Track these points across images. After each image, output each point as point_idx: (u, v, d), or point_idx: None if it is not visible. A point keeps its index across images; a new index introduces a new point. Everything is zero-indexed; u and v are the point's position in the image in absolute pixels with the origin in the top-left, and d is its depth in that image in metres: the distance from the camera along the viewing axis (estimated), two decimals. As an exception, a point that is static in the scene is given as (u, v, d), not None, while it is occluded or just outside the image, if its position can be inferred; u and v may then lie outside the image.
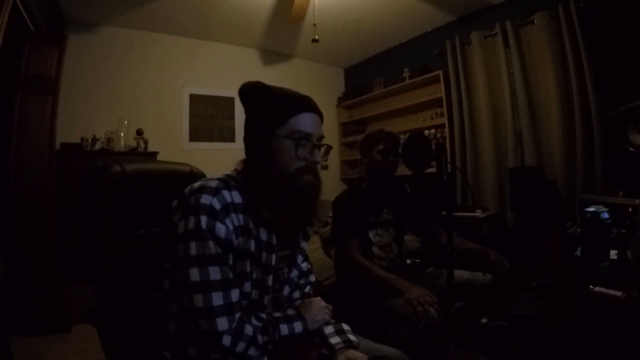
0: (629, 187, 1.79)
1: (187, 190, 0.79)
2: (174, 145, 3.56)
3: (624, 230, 1.14)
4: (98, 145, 3.09)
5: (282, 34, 3.67)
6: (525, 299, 0.95)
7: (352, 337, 0.90)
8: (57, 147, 2.59)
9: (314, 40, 2.90)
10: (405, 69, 3.78)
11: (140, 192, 0.97)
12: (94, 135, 3.06)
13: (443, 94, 3.37)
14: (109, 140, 3.13)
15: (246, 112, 0.89)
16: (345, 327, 0.93)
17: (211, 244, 0.71)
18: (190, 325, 0.73)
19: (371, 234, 1.62)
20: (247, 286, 0.78)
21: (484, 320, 0.80)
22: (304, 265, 0.98)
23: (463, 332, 0.88)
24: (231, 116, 3.86)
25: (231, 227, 0.75)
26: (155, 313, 0.82)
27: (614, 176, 2.31)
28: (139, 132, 3.27)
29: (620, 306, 0.84)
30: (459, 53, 3.23)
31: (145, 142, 3.28)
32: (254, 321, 0.76)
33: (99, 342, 0.87)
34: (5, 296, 2.09)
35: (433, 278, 1.64)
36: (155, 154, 3.22)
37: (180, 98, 3.66)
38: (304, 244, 0.96)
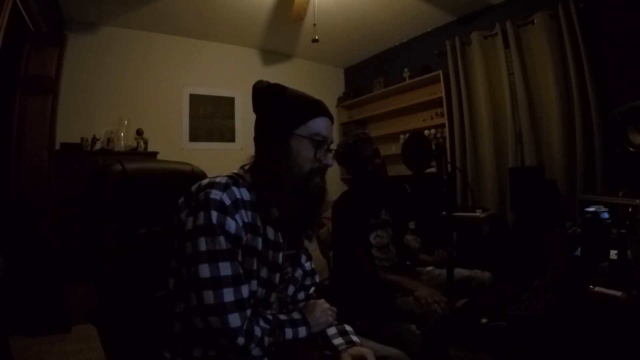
0: (629, 187, 1.79)
1: (194, 187, 0.79)
2: (174, 145, 3.56)
3: (624, 230, 1.14)
4: (98, 145, 3.09)
5: (282, 34, 3.67)
6: (525, 299, 0.95)
7: (355, 338, 0.91)
8: (57, 147, 2.59)
9: (314, 40, 2.90)
10: (405, 69, 3.78)
11: (141, 192, 0.96)
12: (94, 135, 3.06)
13: (443, 94, 3.37)
14: (109, 140, 3.13)
15: (260, 110, 0.88)
16: (348, 328, 0.93)
17: (222, 239, 0.71)
18: (198, 324, 0.72)
19: (371, 236, 1.62)
20: (254, 284, 0.78)
21: (484, 320, 0.80)
22: (308, 265, 0.98)
23: (463, 332, 0.88)
24: (231, 116, 3.86)
25: (241, 223, 0.75)
26: (156, 313, 0.82)
27: (614, 176, 2.31)
28: (139, 132, 3.27)
29: (620, 306, 0.84)
30: (459, 53, 3.23)
31: (145, 142, 3.28)
32: (262, 323, 0.76)
33: (99, 342, 0.87)
34: (5, 296, 2.09)
35: (432, 277, 1.64)
36: (155, 154, 3.22)
37: (180, 98, 3.66)
38: (307, 245, 0.97)
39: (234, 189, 0.76)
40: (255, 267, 0.78)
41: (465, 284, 1.53)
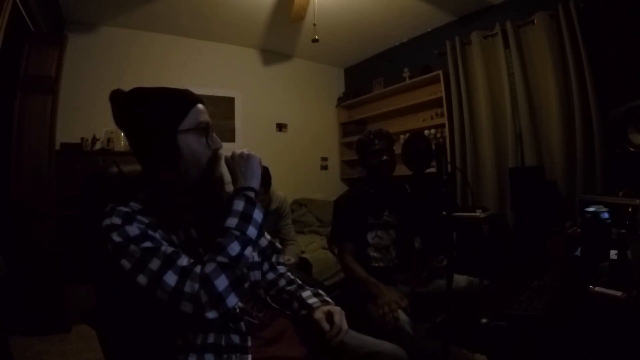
0: (629, 187, 1.79)
1: None
2: (174, 145, 3.55)
3: (624, 230, 1.14)
4: (98, 145, 3.09)
5: (282, 34, 3.66)
6: (525, 299, 0.95)
7: (327, 299, 0.97)
8: (57, 147, 2.59)
9: (314, 40, 2.90)
10: (405, 69, 3.78)
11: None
12: (94, 135, 3.06)
13: (443, 94, 3.37)
14: (109, 140, 3.13)
15: (129, 121, 0.82)
16: (321, 291, 0.99)
17: (132, 247, 0.70)
18: (181, 318, 0.70)
19: (369, 236, 1.62)
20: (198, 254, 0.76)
21: (484, 320, 0.80)
22: (263, 241, 1.00)
23: (463, 332, 0.88)
24: (231, 116, 3.85)
25: (143, 226, 0.73)
26: (155, 313, 0.82)
27: (614, 176, 2.31)
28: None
29: (620, 306, 0.84)
30: (459, 53, 3.23)
31: (145, 142, 3.28)
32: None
33: (99, 342, 0.87)
34: (5, 296, 2.09)
35: (432, 280, 1.63)
36: (155, 154, 3.22)
37: (180, 98, 3.66)
38: None
39: (120, 207, 0.74)
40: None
41: (462, 295, 1.48)
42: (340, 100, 4.68)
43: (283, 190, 2.44)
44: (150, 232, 0.73)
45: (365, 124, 4.42)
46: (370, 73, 4.38)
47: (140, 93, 0.82)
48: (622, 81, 2.15)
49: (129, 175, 0.94)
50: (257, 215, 0.77)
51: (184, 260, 0.71)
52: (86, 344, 2.10)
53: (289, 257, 2.07)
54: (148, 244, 0.71)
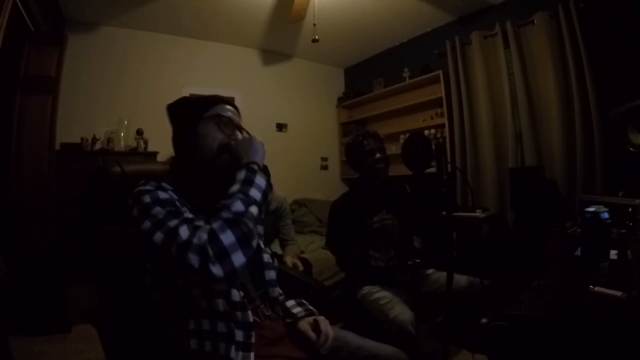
0: (629, 187, 1.79)
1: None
2: (174, 145, 3.55)
3: (624, 230, 1.14)
4: (98, 145, 3.09)
5: (282, 34, 3.66)
6: (525, 299, 0.95)
7: (311, 308, 1.00)
8: (57, 147, 2.59)
9: (314, 40, 2.90)
10: (405, 69, 3.78)
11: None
12: (94, 135, 3.06)
13: (443, 94, 3.37)
14: (109, 140, 3.13)
15: (173, 120, 0.96)
16: (304, 301, 1.03)
17: (158, 208, 0.75)
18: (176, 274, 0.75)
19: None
20: None
21: (484, 320, 0.80)
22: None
23: (463, 332, 0.88)
24: (231, 116, 3.85)
25: (174, 196, 0.81)
26: (155, 312, 0.82)
27: (614, 176, 2.31)
28: (139, 132, 3.27)
29: (620, 306, 0.84)
30: (459, 53, 3.23)
31: (145, 142, 3.28)
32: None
33: (99, 342, 0.87)
34: (5, 296, 2.09)
35: (432, 280, 1.63)
36: (155, 154, 3.21)
37: (180, 98, 3.66)
38: None
39: (153, 182, 0.82)
40: None
41: (463, 294, 1.49)
42: (340, 100, 4.69)
43: (283, 190, 2.44)
44: (177, 203, 0.79)
45: (365, 124, 4.42)
46: (370, 73, 4.38)
47: (185, 97, 0.99)
48: (622, 81, 2.15)
49: (131, 175, 0.94)
50: (259, 180, 0.80)
51: (200, 222, 0.74)
52: (86, 344, 2.10)
53: (294, 261, 2.05)
54: (173, 208, 0.76)
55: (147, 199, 0.76)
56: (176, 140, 0.93)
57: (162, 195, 0.78)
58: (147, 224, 0.73)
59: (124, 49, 3.37)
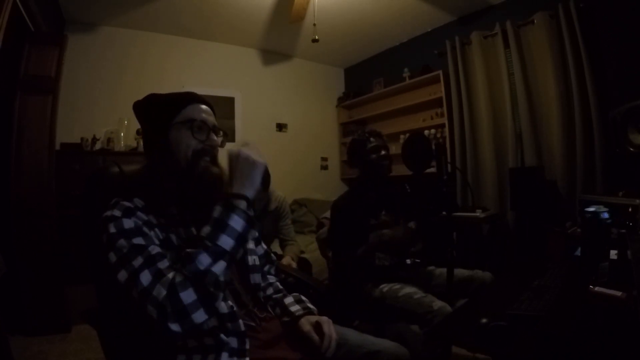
0: (629, 187, 1.79)
1: None
2: (174, 145, 3.55)
3: (624, 230, 1.14)
4: (98, 145, 3.09)
5: (282, 34, 3.66)
6: (525, 299, 0.95)
7: (310, 306, 0.96)
8: (57, 147, 2.59)
9: (314, 40, 2.90)
10: (405, 69, 3.78)
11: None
12: (94, 135, 3.06)
13: (443, 94, 3.37)
14: (109, 140, 3.13)
15: (141, 121, 0.90)
16: (304, 297, 0.99)
17: (122, 241, 0.71)
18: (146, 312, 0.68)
19: (371, 237, 1.62)
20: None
21: (484, 320, 0.80)
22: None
23: (463, 332, 0.88)
24: (231, 116, 3.85)
25: (140, 222, 0.75)
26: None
27: (614, 176, 2.31)
28: (139, 132, 3.27)
29: (620, 306, 0.84)
30: (459, 53, 3.23)
31: (145, 142, 3.28)
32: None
33: (98, 342, 0.87)
34: (5, 296, 2.09)
35: (433, 277, 1.64)
36: (155, 154, 3.22)
37: (180, 98, 3.66)
38: None
39: (123, 202, 0.76)
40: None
41: (466, 284, 1.53)
42: (340, 100, 4.68)
43: (283, 190, 2.44)
44: (145, 229, 0.74)
45: (366, 124, 4.42)
46: (370, 73, 4.38)
47: (151, 96, 0.90)
48: (622, 81, 2.15)
49: (130, 175, 0.94)
50: (236, 222, 0.70)
51: (164, 263, 0.70)
52: (86, 344, 2.11)
53: (290, 262, 2.05)
54: (139, 240, 0.72)
55: (112, 228, 0.72)
56: (147, 144, 0.88)
57: (127, 224, 0.72)
58: (112, 257, 0.71)
59: (124, 49, 3.36)
